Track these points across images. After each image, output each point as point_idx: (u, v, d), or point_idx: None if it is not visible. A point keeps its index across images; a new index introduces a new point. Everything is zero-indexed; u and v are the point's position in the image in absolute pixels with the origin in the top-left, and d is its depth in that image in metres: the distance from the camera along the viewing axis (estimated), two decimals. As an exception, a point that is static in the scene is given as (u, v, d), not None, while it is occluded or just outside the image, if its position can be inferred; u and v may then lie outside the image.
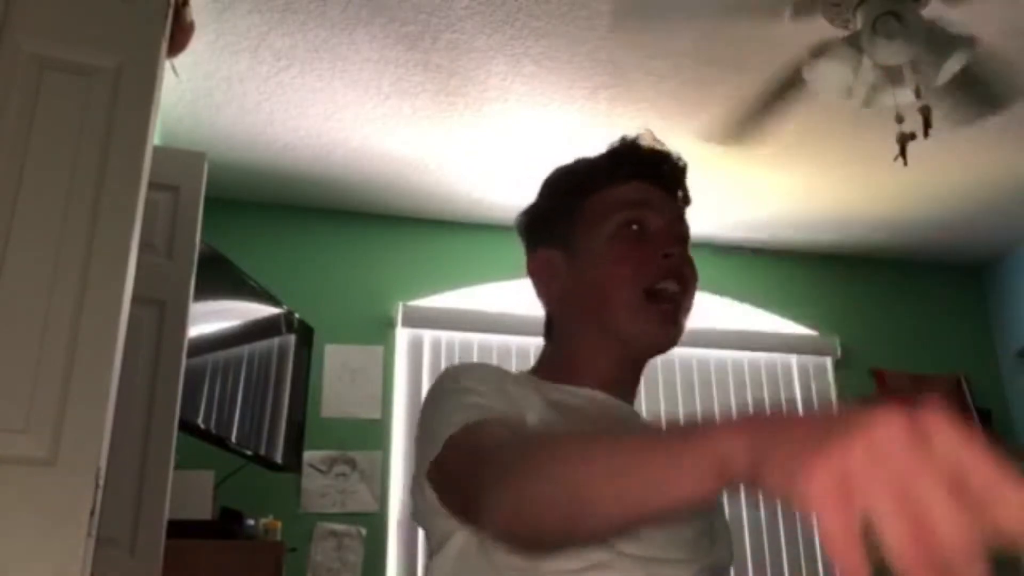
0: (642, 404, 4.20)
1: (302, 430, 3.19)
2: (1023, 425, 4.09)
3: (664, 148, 1.05)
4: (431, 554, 0.92)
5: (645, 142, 1.04)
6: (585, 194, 1.02)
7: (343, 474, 3.37)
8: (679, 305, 0.98)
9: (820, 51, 2.38)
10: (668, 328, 0.97)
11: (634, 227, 0.98)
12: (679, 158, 1.05)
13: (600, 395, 0.98)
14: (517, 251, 1.12)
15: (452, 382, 0.89)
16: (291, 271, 3.57)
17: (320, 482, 3.34)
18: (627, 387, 1.03)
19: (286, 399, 3.07)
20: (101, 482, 1.37)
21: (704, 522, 0.93)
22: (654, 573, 0.84)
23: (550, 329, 1.07)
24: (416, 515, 0.92)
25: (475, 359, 3.64)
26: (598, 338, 0.99)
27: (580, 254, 1.01)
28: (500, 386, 0.88)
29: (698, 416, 0.70)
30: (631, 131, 1.07)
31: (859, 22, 2.32)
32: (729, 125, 2.87)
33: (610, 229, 0.99)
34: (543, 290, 1.05)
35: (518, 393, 0.89)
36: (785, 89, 2.63)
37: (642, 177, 1.01)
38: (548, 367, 1.03)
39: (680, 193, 1.05)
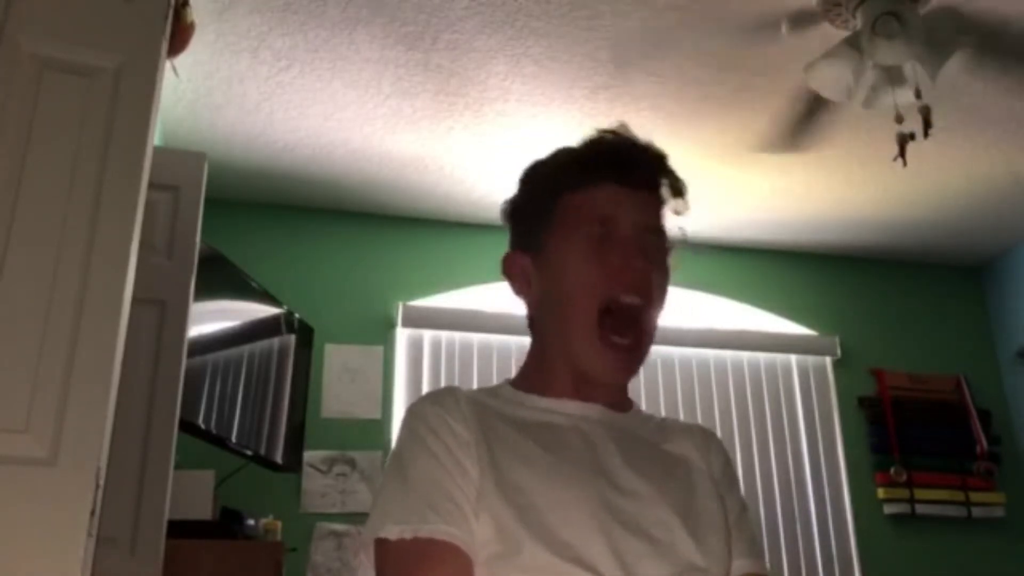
0: (642, 405, 4.18)
1: (302, 430, 3.19)
2: (1023, 425, 4.09)
3: (639, 142, 1.02)
4: None
5: (619, 138, 1.02)
6: (558, 194, 1.01)
7: (343, 474, 3.37)
8: (638, 331, 0.97)
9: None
10: (620, 373, 0.97)
11: (599, 239, 0.97)
12: (655, 152, 1.02)
13: (572, 405, 0.98)
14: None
15: (411, 429, 0.92)
16: (291, 271, 3.57)
17: (320, 482, 3.34)
18: (610, 393, 1.01)
19: (286, 399, 3.07)
20: (101, 482, 1.37)
21: (677, 517, 0.92)
22: None
23: (532, 324, 1.06)
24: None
25: (475, 359, 3.65)
26: (565, 357, 0.99)
27: (549, 261, 1.00)
28: (452, 430, 0.90)
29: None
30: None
31: (859, 22, 2.32)
32: (768, 140, 2.99)
33: (577, 239, 0.97)
34: (516, 290, 1.05)
35: (467, 435, 0.90)
36: (815, 108, 2.70)
37: (614, 179, 0.99)
38: (528, 376, 1.03)
39: (661, 185, 1.02)
